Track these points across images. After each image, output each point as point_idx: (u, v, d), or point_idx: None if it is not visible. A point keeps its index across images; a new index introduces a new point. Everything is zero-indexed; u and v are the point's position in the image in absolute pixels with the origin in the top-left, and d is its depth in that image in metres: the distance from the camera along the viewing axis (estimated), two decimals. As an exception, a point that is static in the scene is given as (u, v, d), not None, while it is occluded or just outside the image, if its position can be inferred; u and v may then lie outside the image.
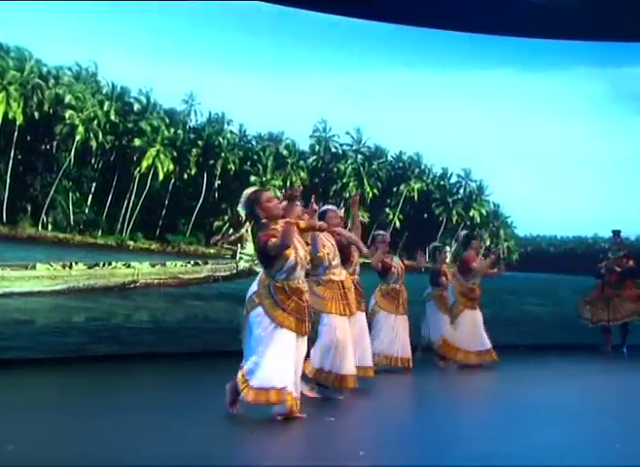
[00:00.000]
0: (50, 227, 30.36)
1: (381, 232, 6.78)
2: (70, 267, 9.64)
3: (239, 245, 10.57)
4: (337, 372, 4.70)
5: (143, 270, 10.40)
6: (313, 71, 17.04)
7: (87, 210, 28.56)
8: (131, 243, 21.46)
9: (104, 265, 10.36)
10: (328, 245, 4.85)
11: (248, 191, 4.37)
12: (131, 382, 5.52)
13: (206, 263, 11.26)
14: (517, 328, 10.79)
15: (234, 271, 12.03)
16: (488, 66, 15.45)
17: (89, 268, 10.15)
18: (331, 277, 4.80)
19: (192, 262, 11.18)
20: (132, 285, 10.47)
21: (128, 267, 10.61)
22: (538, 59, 14.12)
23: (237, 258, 12.00)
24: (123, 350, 7.09)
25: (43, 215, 29.73)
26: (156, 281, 10.12)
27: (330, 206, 5.74)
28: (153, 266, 10.50)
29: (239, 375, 3.95)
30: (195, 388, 5.32)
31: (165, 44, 15.52)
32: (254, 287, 4.19)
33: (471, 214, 40.22)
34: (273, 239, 4.18)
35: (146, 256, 11.77)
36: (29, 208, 28.22)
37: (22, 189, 27.93)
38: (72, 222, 29.96)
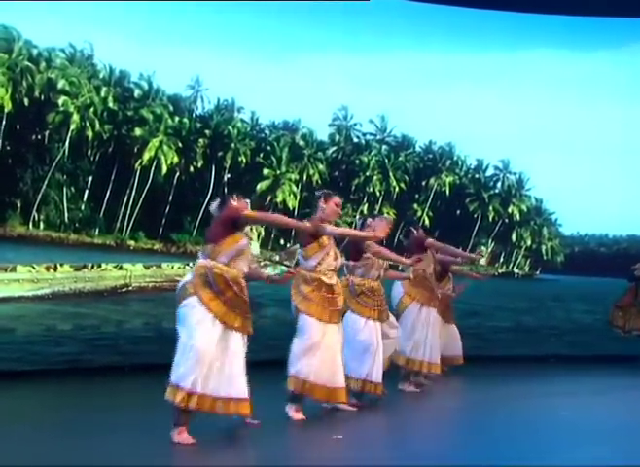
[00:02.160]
0: (42, 225, 30.51)
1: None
2: (55, 269, 9.49)
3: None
4: (316, 382, 4.57)
5: (136, 273, 10.23)
6: (333, 53, 16.76)
7: (82, 207, 28.64)
8: (132, 243, 21.47)
9: (93, 267, 10.20)
10: (328, 245, 4.70)
11: None
12: (130, 397, 5.41)
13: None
14: (564, 338, 10.62)
15: None
16: (529, 46, 15.05)
17: (76, 270, 9.98)
18: (320, 278, 4.66)
19: (190, 263, 11.04)
20: (124, 289, 10.31)
21: (120, 269, 10.45)
22: (584, 39, 13.72)
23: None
24: (122, 361, 7.00)
25: (34, 212, 29.84)
26: (150, 285, 9.94)
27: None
28: (147, 267, 10.34)
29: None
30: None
31: (169, 23, 15.32)
32: (188, 276, 4.10)
33: (509, 210, 39.74)
34: (255, 213, 4.15)
35: (148, 257, 11.63)
36: (19, 204, 28.32)
37: (11, 183, 28.04)
38: (66, 220, 30.01)
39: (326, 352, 4.63)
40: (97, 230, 31.17)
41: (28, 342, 7.02)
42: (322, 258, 4.71)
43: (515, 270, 38.11)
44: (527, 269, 42.40)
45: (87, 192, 25.42)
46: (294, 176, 51.87)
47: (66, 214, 29.33)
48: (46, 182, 29.81)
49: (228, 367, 3.86)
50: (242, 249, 4.04)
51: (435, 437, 4.67)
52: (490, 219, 43.73)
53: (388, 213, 49.14)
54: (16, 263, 9.44)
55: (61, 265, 9.44)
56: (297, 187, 55.96)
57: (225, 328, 3.89)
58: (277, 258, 12.39)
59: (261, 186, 50.91)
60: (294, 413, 4.63)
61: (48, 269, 9.34)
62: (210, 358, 3.83)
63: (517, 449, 4.17)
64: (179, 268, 10.40)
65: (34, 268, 9.24)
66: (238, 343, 3.94)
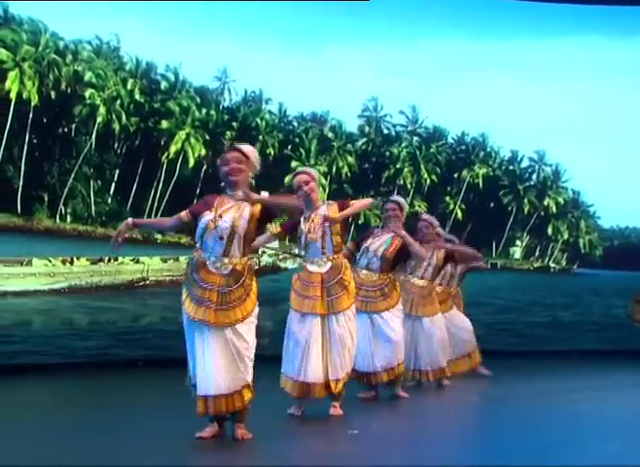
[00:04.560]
0: (69, 218, 30.85)
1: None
2: (71, 262, 9.54)
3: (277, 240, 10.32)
4: (297, 378, 4.52)
5: (153, 266, 10.24)
6: (362, 43, 16.62)
7: (109, 200, 28.92)
8: (159, 237, 21.55)
9: (110, 260, 10.23)
10: (311, 228, 4.59)
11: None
12: (153, 392, 5.42)
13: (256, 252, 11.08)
14: (603, 333, 10.50)
15: (256, 267, 11.72)
16: (564, 33, 14.80)
17: (93, 263, 10.03)
18: (307, 266, 4.60)
19: None
20: (142, 283, 10.34)
21: (137, 262, 10.47)
22: (622, 25, 13.47)
23: (260, 252, 11.72)
24: (143, 356, 7.03)
25: (61, 205, 30.19)
26: (168, 278, 9.94)
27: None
28: (164, 261, 10.35)
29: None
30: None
31: (195, 14, 15.33)
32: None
33: (545, 203, 39.32)
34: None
35: (176, 251, 11.66)
36: (46, 198, 28.65)
37: (38, 176, 28.39)
38: (93, 213, 30.33)
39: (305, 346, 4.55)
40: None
41: (44, 336, 7.09)
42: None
43: (552, 265, 37.62)
44: (564, 263, 41.90)
45: (113, 185, 25.68)
46: (322, 168, 51.75)
47: (93, 207, 29.64)
48: (72, 175, 30.16)
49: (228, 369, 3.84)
50: (202, 229, 3.98)
51: (447, 434, 4.64)
52: (525, 212, 43.35)
53: (419, 206, 49.01)
54: (43, 256, 9.52)
55: (77, 258, 9.50)
56: (325, 179, 55.83)
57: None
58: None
59: (289, 178, 50.55)
60: (294, 410, 4.59)
61: (64, 262, 9.41)
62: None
63: (526, 447, 4.12)
64: (197, 261, 10.40)
65: (50, 261, 9.31)
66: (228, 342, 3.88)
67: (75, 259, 9.53)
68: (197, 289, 3.88)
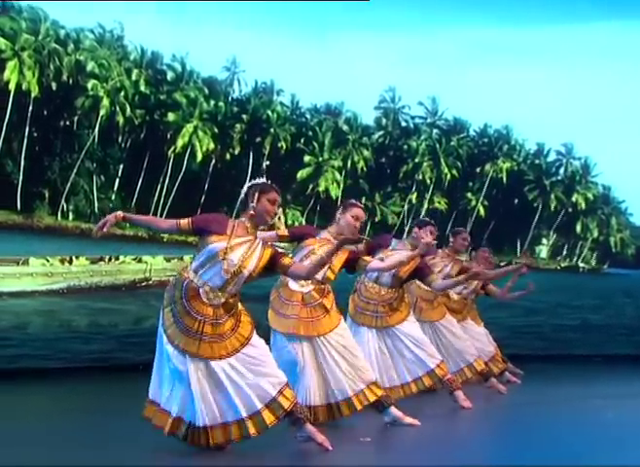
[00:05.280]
0: (71, 216, 31.14)
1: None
2: (70, 261, 9.48)
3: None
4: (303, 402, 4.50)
5: (156, 266, 10.18)
6: (378, 31, 16.53)
7: (113, 196, 29.11)
8: (165, 235, 21.65)
9: (110, 259, 10.17)
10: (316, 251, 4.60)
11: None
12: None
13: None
14: (635, 338, 10.36)
15: None
16: (594, 18, 14.69)
17: (93, 263, 9.95)
18: (288, 285, 4.56)
19: None
20: (144, 283, 10.28)
21: (139, 261, 10.40)
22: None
23: None
24: (144, 360, 6.98)
25: (63, 202, 30.46)
26: (171, 278, 9.92)
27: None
28: (168, 260, 10.27)
29: None
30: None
31: (202, 2, 15.28)
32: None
33: (573, 199, 39.23)
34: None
35: (183, 250, 11.57)
36: (47, 194, 28.90)
37: (39, 171, 28.64)
38: (96, 210, 30.54)
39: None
40: (129, 221, 31.58)
41: (44, 339, 7.06)
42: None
43: (581, 264, 37.42)
44: (594, 262, 41.59)
45: (117, 181, 25.74)
46: (337, 163, 51.97)
47: (96, 204, 29.70)
48: (75, 170, 30.19)
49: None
50: (210, 255, 3.86)
51: (462, 440, 4.59)
52: (552, 208, 42.99)
53: (439, 202, 48.61)
54: (41, 255, 9.48)
55: (77, 257, 9.45)
56: (340, 174, 55.81)
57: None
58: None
59: (301, 174, 50.97)
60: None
61: (62, 261, 9.36)
62: None
63: (546, 455, 4.06)
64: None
65: (48, 260, 9.26)
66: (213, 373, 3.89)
67: (74, 258, 9.49)
68: (187, 318, 3.85)
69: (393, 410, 4.55)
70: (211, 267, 3.73)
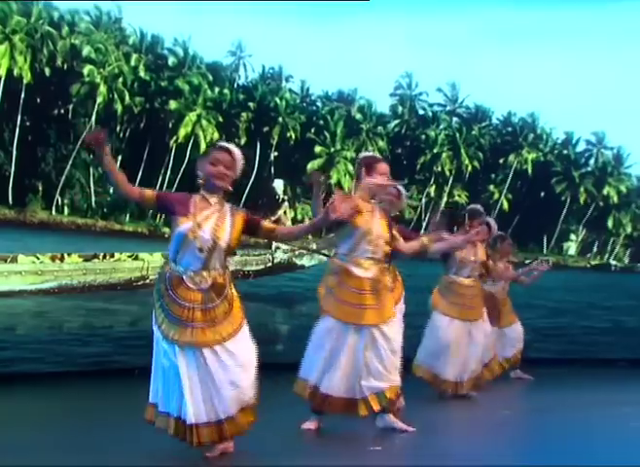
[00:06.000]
0: (66, 210, 31.22)
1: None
2: (61, 259, 9.43)
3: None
4: (323, 391, 4.41)
5: (154, 264, 10.08)
6: (393, 12, 16.45)
7: (111, 190, 29.10)
8: (167, 231, 21.69)
9: (105, 257, 10.10)
10: (366, 220, 4.44)
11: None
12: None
13: (234, 254, 10.91)
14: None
15: (269, 265, 11.43)
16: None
17: (86, 260, 9.84)
18: (352, 269, 4.39)
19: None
20: (141, 282, 10.19)
21: (136, 258, 10.32)
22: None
23: (273, 248, 11.54)
24: (140, 363, 6.98)
25: (57, 196, 30.54)
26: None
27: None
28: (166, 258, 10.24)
29: None
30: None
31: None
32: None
33: (605, 192, 38.93)
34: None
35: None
36: (40, 187, 28.96)
37: (32, 163, 28.67)
38: (93, 204, 30.59)
39: (344, 358, 4.45)
40: (128, 216, 31.61)
41: (37, 341, 7.07)
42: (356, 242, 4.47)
43: (612, 262, 37.18)
44: (627, 260, 41.37)
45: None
46: (350, 154, 51.97)
47: (93, 198, 29.77)
48: (70, 162, 30.29)
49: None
50: (180, 237, 3.82)
51: (487, 445, 4.57)
52: (581, 202, 42.72)
53: (459, 196, 48.63)
54: (31, 253, 9.46)
55: (69, 254, 9.42)
56: (353, 166, 55.00)
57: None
58: (314, 246, 12.06)
59: (312, 165, 50.99)
60: (307, 424, 4.49)
61: (53, 259, 9.31)
62: None
63: (565, 461, 4.03)
64: (204, 257, 10.27)
65: (38, 258, 9.23)
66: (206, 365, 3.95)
67: (66, 255, 9.46)
68: (177, 308, 3.88)
69: (389, 415, 4.52)
70: (186, 250, 3.68)
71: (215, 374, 3.73)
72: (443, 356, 5.69)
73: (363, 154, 4.72)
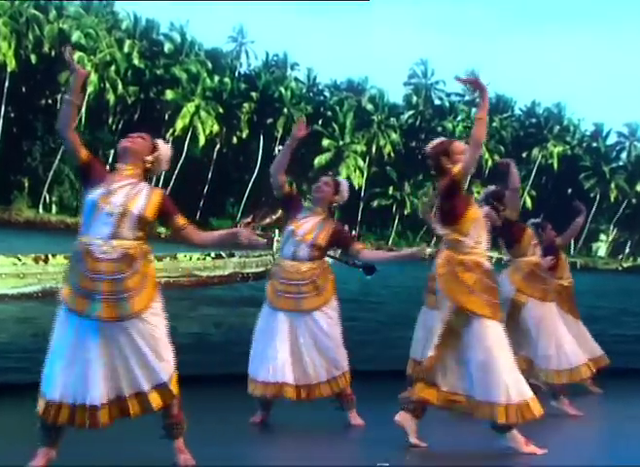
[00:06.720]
0: (54, 208, 31.14)
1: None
2: (45, 260, 9.36)
3: (277, 230, 9.95)
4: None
5: None
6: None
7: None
8: (164, 231, 21.70)
9: None
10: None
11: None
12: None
13: (232, 255, 10.78)
14: None
15: (270, 267, 11.33)
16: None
17: None
18: (476, 259, 4.59)
19: (212, 254, 10.69)
20: None
21: None
22: None
23: (274, 248, 11.48)
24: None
25: (45, 193, 30.47)
26: (163, 280, 9.68)
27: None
28: (159, 259, 10.13)
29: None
30: (217, 421, 5.19)
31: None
32: None
33: (638, 188, 38.50)
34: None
35: (178, 247, 11.42)
36: (26, 184, 28.86)
37: (17, 158, 28.58)
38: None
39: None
40: (121, 214, 31.65)
41: (15, 350, 6.99)
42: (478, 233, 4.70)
43: (646, 264, 36.64)
44: (663, 262, 40.68)
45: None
46: (360, 148, 51.83)
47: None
48: (58, 156, 30.27)
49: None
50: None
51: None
52: (612, 199, 42.62)
53: (479, 192, 48.79)
54: (12, 254, 9.41)
55: (53, 255, 9.36)
56: (364, 161, 55.51)
57: None
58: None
59: (320, 160, 50.93)
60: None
61: (37, 260, 9.25)
62: None
63: None
64: (198, 259, 10.11)
65: (19, 259, 9.16)
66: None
67: (50, 256, 9.39)
68: (85, 280, 3.94)
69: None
70: (95, 219, 3.81)
71: (123, 349, 3.78)
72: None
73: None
